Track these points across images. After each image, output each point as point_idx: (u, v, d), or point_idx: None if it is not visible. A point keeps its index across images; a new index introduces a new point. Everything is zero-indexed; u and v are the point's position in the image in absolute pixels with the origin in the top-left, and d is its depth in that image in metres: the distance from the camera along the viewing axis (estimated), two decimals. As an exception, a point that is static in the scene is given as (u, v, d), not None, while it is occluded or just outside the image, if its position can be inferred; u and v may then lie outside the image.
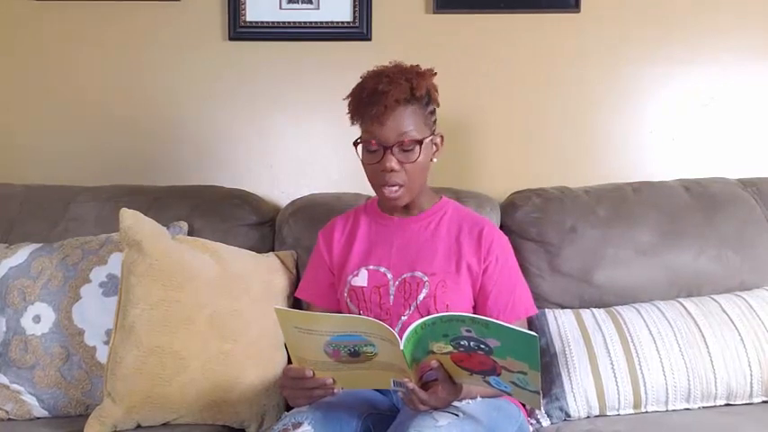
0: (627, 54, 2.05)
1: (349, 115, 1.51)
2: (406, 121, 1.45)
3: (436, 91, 1.52)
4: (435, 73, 1.51)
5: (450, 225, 1.56)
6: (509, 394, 1.30)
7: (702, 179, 1.93)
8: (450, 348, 1.25)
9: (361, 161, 1.51)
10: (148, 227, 1.64)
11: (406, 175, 1.47)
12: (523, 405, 1.60)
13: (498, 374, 1.25)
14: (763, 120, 2.06)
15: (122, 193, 1.91)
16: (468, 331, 1.21)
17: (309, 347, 1.26)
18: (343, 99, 1.51)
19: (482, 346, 1.22)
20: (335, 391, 1.30)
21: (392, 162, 1.45)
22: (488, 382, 1.29)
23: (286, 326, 1.26)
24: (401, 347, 1.20)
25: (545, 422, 1.58)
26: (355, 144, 1.50)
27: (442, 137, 1.54)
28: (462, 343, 1.23)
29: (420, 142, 1.46)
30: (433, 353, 1.26)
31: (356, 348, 1.24)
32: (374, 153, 1.47)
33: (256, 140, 2.10)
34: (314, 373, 1.29)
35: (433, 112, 1.52)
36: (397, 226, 1.57)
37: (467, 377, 1.30)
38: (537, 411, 1.59)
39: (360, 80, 1.50)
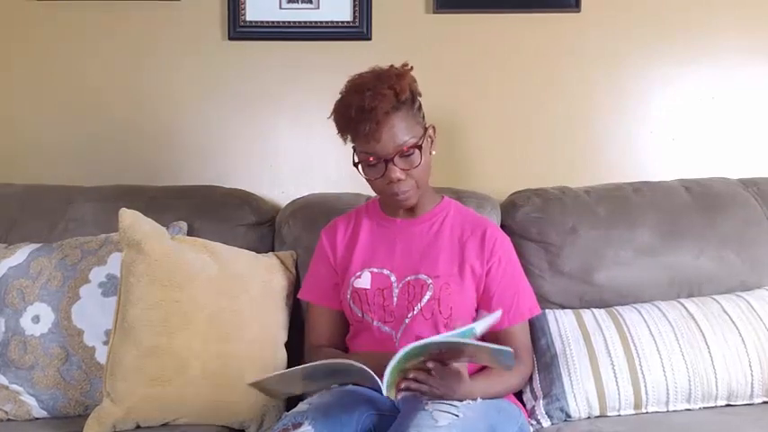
0: (627, 54, 2.04)
1: (338, 132, 1.49)
2: (400, 130, 1.43)
3: (415, 82, 1.49)
4: (411, 67, 1.48)
5: (452, 227, 1.56)
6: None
7: (703, 179, 1.93)
8: (421, 359, 1.29)
9: (365, 177, 1.49)
10: (148, 227, 1.64)
11: (413, 179, 1.47)
12: (524, 405, 1.60)
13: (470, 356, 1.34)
14: (763, 119, 2.06)
15: (122, 193, 1.90)
16: (439, 347, 1.26)
17: (291, 387, 1.43)
18: (327, 118, 1.49)
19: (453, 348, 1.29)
20: None
21: (397, 173, 1.44)
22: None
23: (264, 389, 1.38)
24: (384, 393, 1.23)
25: (545, 422, 1.58)
26: (355, 165, 1.48)
27: (433, 127, 1.52)
28: (433, 351, 1.28)
29: (419, 147, 1.45)
30: (407, 369, 1.29)
31: (331, 370, 1.30)
32: (376, 167, 1.45)
33: (256, 140, 2.09)
34: None
35: (419, 108, 1.51)
36: (400, 228, 1.57)
37: None
38: (537, 411, 1.58)
39: (340, 96, 1.47)
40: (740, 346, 1.60)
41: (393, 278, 1.51)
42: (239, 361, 1.60)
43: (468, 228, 1.55)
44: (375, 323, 1.50)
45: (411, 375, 1.30)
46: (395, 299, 1.49)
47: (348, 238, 1.60)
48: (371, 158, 1.44)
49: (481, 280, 1.51)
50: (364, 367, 1.22)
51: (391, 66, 1.48)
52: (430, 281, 1.48)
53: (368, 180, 1.49)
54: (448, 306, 1.46)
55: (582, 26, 2.03)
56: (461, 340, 1.23)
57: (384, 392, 1.21)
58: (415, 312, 1.46)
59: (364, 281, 1.52)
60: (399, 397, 1.30)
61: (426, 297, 1.47)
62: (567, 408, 1.57)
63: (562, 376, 1.59)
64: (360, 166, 1.47)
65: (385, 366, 1.21)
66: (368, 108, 1.40)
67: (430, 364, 1.30)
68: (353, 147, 1.50)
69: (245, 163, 2.09)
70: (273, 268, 1.75)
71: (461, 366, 1.35)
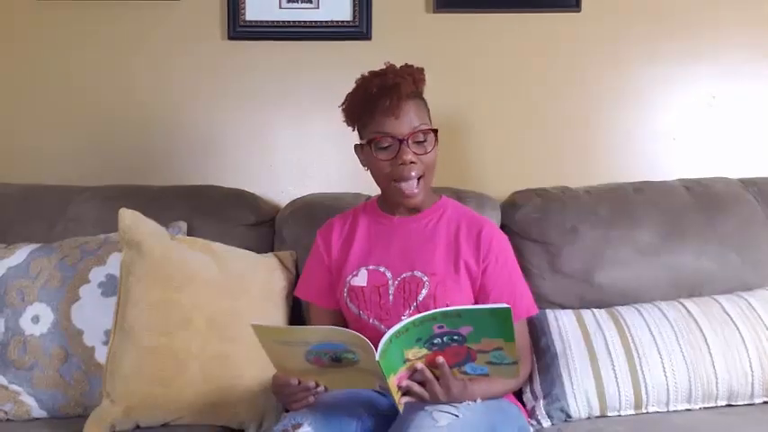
0: (627, 54, 2.04)
1: (347, 119, 1.50)
2: (416, 114, 1.46)
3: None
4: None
5: (449, 224, 1.56)
6: (486, 375, 1.30)
7: (704, 179, 1.93)
8: (424, 351, 1.25)
9: (366, 163, 1.49)
10: (148, 227, 1.64)
11: (424, 167, 1.47)
12: (524, 405, 1.60)
13: (474, 360, 1.26)
14: (764, 119, 2.06)
15: (122, 193, 1.90)
16: (440, 327, 1.21)
17: (291, 358, 1.27)
18: (339, 106, 1.50)
19: (455, 338, 1.22)
20: (319, 389, 1.31)
21: (409, 155, 1.44)
22: (465, 372, 1.29)
23: (265, 340, 1.27)
24: (377, 358, 1.18)
25: (546, 423, 1.57)
26: (359, 146, 1.48)
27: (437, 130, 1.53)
28: (435, 342, 1.23)
29: (435, 131, 1.47)
30: (409, 360, 1.26)
31: (337, 355, 1.24)
32: (387, 149, 1.46)
33: (256, 140, 2.09)
34: (299, 381, 1.30)
35: (428, 110, 1.53)
36: (397, 225, 1.57)
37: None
38: (537, 411, 1.58)
39: (356, 84, 1.49)
40: (741, 346, 1.59)
41: (389, 275, 1.51)
42: (239, 361, 1.60)
43: (464, 226, 1.55)
44: (371, 321, 1.50)
45: (415, 377, 1.29)
46: (391, 296, 1.49)
47: (344, 237, 1.60)
48: (382, 137, 1.45)
49: (477, 278, 1.50)
50: (365, 339, 1.18)
51: (406, 63, 1.50)
52: (426, 278, 1.48)
53: (373, 164, 1.48)
54: (444, 303, 1.45)
55: (582, 26, 2.03)
56: (459, 308, 1.19)
57: (376, 357, 1.17)
58: (411, 310, 1.46)
59: (360, 278, 1.52)
60: (403, 402, 1.29)
61: (422, 294, 1.47)
62: (568, 408, 1.57)
63: (562, 376, 1.59)
64: (365, 149, 1.48)
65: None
66: (391, 84, 1.43)
67: (426, 377, 1.28)
68: (357, 145, 1.50)
69: (245, 163, 2.09)
70: (273, 268, 1.75)
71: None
